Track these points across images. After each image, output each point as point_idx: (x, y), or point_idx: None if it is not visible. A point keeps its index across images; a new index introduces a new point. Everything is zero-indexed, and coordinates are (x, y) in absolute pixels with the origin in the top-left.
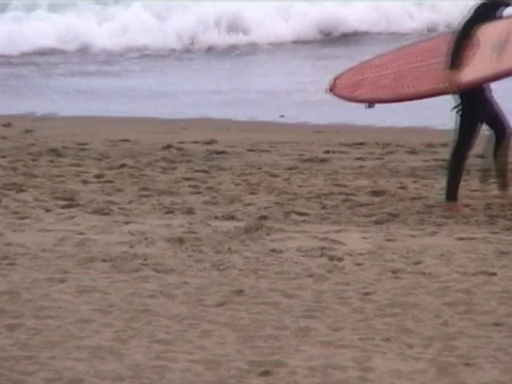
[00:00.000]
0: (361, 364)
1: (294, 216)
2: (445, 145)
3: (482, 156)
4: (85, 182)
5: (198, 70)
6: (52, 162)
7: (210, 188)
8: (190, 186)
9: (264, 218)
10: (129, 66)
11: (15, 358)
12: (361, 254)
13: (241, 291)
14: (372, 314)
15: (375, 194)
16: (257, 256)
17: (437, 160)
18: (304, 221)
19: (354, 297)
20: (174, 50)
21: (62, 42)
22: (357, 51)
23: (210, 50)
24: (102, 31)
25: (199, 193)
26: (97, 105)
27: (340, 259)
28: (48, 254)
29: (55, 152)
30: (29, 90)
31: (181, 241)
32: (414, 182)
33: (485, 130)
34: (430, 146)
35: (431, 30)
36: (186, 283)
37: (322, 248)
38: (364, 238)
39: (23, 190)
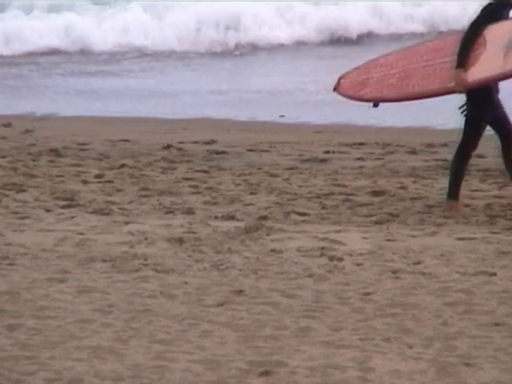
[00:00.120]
0: (361, 364)
1: (294, 216)
2: (445, 145)
3: (482, 156)
4: (85, 182)
5: (197, 70)
6: (52, 162)
7: (210, 188)
8: (190, 186)
9: (264, 218)
10: (129, 66)
11: (15, 358)
12: (361, 254)
13: (241, 291)
14: (372, 314)
15: (375, 194)
16: (257, 256)
17: (437, 160)
18: (304, 221)
19: (354, 297)
20: (174, 50)
21: (62, 42)
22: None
23: (210, 49)
24: (102, 31)
25: (199, 193)
26: (97, 105)
27: (340, 259)
28: (48, 254)
29: (55, 152)
30: (29, 89)
31: (181, 241)
32: (414, 182)
33: (488, 131)
34: (430, 145)
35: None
36: (186, 283)
37: (322, 248)
38: (364, 238)
39: (23, 190)
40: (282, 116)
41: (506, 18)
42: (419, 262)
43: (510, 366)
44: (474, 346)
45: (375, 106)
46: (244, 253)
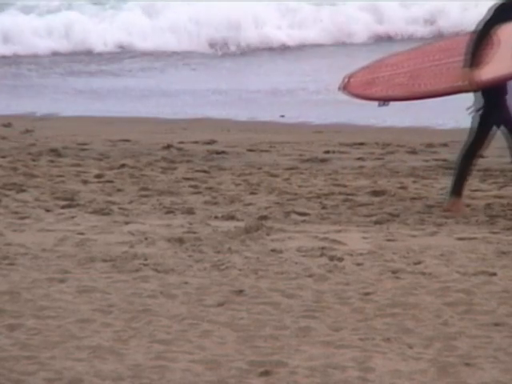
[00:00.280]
0: (361, 364)
1: (294, 216)
2: (445, 145)
3: (482, 156)
4: (85, 182)
5: (197, 70)
6: (52, 162)
7: (210, 188)
8: (190, 186)
9: (264, 218)
10: (129, 66)
11: (15, 357)
12: (361, 254)
13: (241, 291)
14: (372, 314)
15: (375, 193)
16: (257, 256)
17: (437, 160)
18: (304, 221)
19: (354, 297)
20: (174, 50)
21: (62, 42)
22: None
23: (211, 49)
24: (102, 31)
25: (199, 193)
26: (97, 105)
27: (340, 259)
28: (48, 254)
29: (55, 152)
30: (29, 89)
31: (181, 241)
32: (414, 181)
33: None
34: (430, 145)
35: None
36: (186, 283)
37: (322, 248)
38: (364, 237)
39: (23, 190)
40: (282, 116)
41: None
42: (419, 262)
43: (510, 365)
44: (474, 346)
45: (383, 105)
46: (244, 253)
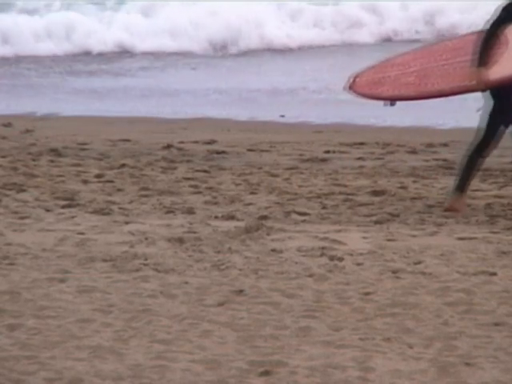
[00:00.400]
0: (361, 364)
1: (294, 216)
2: (445, 145)
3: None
4: (85, 182)
5: (198, 70)
6: (52, 161)
7: (211, 188)
8: (191, 186)
9: (264, 217)
10: (129, 66)
11: (15, 357)
12: (361, 254)
13: (241, 291)
14: (372, 314)
15: (375, 193)
16: (257, 256)
17: (437, 160)
18: (304, 221)
19: (354, 297)
20: (174, 50)
21: (62, 42)
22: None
23: (210, 49)
24: (102, 31)
25: (199, 193)
26: (97, 105)
27: (340, 259)
28: (48, 254)
29: (55, 152)
30: (29, 89)
31: (181, 241)
32: (415, 181)
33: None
34: (430, 145)
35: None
36: (186, 283)
37: (323, 248)
38: (364, 237)
39: (23, 190)
40: (283, 116)
41: None
42: (419, 262)
43: (511, 365)
44: (474, 346)
45: (392, 104)
46: (244, 252)
